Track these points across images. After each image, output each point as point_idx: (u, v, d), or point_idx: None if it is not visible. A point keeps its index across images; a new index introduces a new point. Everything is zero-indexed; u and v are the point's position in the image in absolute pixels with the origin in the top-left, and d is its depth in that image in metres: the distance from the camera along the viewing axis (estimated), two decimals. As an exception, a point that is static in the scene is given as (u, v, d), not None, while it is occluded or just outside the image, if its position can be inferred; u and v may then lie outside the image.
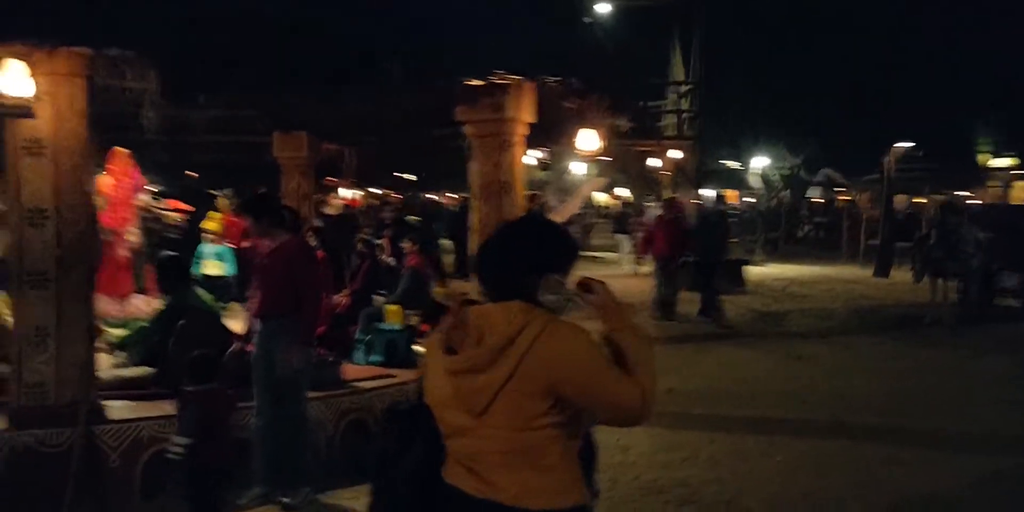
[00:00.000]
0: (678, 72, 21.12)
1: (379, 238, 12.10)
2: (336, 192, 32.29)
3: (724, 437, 7.43)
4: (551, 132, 9.17)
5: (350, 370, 6.89)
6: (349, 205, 33.45)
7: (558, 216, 22.82)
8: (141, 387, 6.21)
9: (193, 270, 10.29)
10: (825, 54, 22.58)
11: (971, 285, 13.77)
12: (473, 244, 8.08)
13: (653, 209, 21.76)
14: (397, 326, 7.54)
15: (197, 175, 27.05)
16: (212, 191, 26.44)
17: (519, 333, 2.44)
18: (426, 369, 2.65)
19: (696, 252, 14.10)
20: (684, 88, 20.73)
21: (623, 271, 20.19)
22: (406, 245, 10.18)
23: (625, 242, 21.46)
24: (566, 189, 26.68)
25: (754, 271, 18.82)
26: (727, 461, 6.73)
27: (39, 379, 5.55)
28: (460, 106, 7.79)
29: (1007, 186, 28.68)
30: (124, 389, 6.13)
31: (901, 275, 18.88)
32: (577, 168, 25.41)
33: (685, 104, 20.88)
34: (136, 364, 6.44)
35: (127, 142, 15.48)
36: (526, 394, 2.43)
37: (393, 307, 9.48)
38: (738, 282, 17.49)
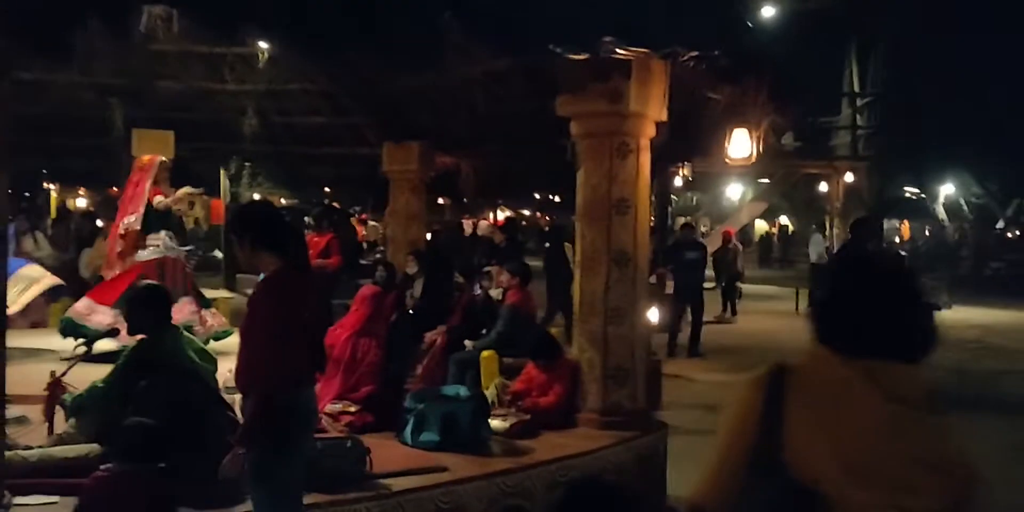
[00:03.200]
0: (854, 83, 18.47)
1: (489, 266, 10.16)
2: (484, 213, 30.89)
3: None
4: (690, 135, 7.03)
5: (386, 456, 4.92)
6: (496, 226, 31.72)
7: (710, 245, 20.38)
8: (84, 472, 4.37)
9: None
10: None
11: None
12: (578, 280, 6.02)
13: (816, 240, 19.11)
14: (462, 392, 5.56)
15: (328, 189, 26.08)
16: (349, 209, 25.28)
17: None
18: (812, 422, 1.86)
19: None
20: (861, 101, 18.06)
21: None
22: (503, 277, 8.20)
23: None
24: (719, 215, 24.22)
25: (939, 317, 15.85)
26: None
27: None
28: (563, 94, 5.78)
29: None
30: (57, 476, 4.37)
31: None
32: (732, 191, 22.95)
33: (862, 120, 18.15)
34: (89, 438, 4.66)
35: (219, 152, 14.34)
36: None
37: (486, 354, 7.52)
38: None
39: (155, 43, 10.78)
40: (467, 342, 8.36)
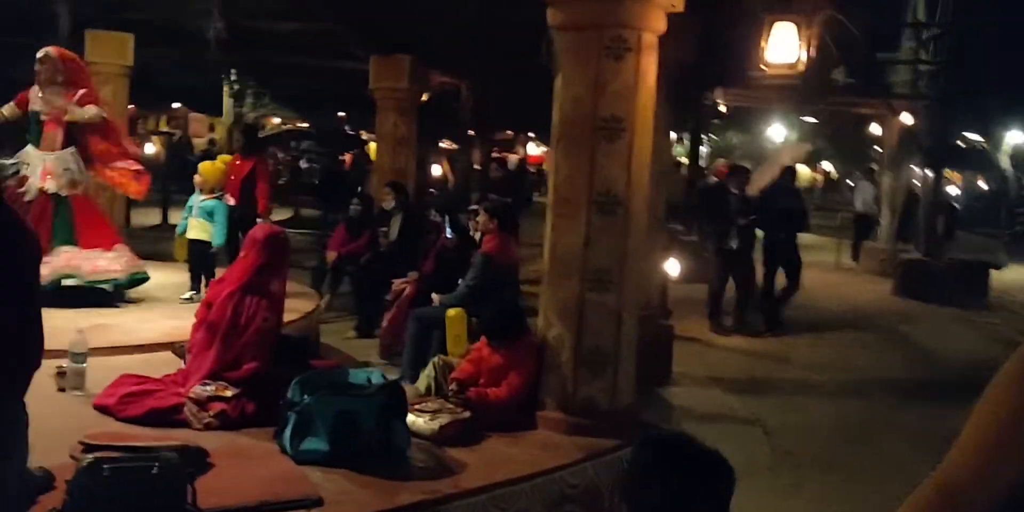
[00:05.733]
0: (918, 12, 16.34)
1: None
2: (516, 147, 29.04)
3: None
4: (722, 42, 5.31)
5: (244, 475, 3.39)
6: (527, 162, 29.57)
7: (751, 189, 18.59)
8: None
9: (179, 230, 7.10)
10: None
11: None
12: (549, 229, 4.40)
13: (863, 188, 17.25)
14: (375, 378, 4.00)
15: (345, 115, 24.34)
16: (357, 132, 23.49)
17: None
18: None
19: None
20: (927, 33, 15.95)
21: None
22: (480, 219, 6.63)
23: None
24: (758, 157, 22.28)
25: (995, 278, 14.01)
26: None
27: None
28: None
29: None
30: None
31: None
32: (774, 132, 20.99)
33: (925, 55, 16.06)
34: None
35: (185, 60, 12.66)
36: None
37: (452, 312, 6.01)
38: (979, 293, 12.84)
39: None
40: (434, 296, 6.87)
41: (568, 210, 4.23)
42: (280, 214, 18.45)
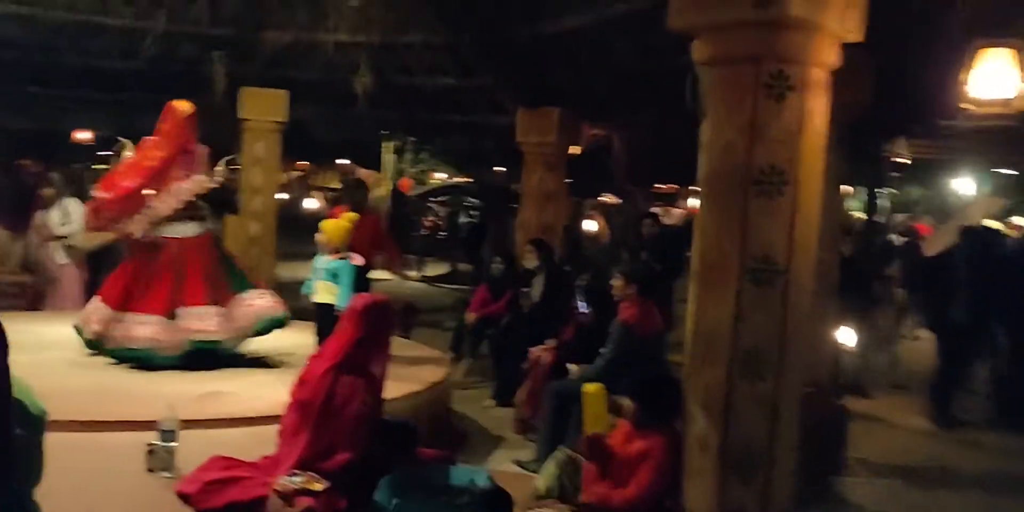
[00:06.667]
0: None
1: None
2: (679, 200, 28.18)
3: None
4: (907, 79, 4.52)
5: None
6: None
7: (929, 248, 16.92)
8: None
9: (304, 290, 6.70)
10: None
11: None
12: (692, 301, 3.69)
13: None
14: (479, 479, 3.34)
15: (503, 169, 24.24)
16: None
17: None
18: None
19: None
20: None
21: None
22: (616, 284, 5.96)
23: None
24: (942, 213, 20.57)
25: None
26: None
27: None
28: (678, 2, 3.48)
29: None
30: None
31: None
32: (960, 185, 19.29)
33: None
34: None
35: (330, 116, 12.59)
36: None
37: (591, 387, 5.33)
38: None
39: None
40: (570, 367, 6.24)
41: (715, 278, 3.53)
42: (437, 269, 18.35)
